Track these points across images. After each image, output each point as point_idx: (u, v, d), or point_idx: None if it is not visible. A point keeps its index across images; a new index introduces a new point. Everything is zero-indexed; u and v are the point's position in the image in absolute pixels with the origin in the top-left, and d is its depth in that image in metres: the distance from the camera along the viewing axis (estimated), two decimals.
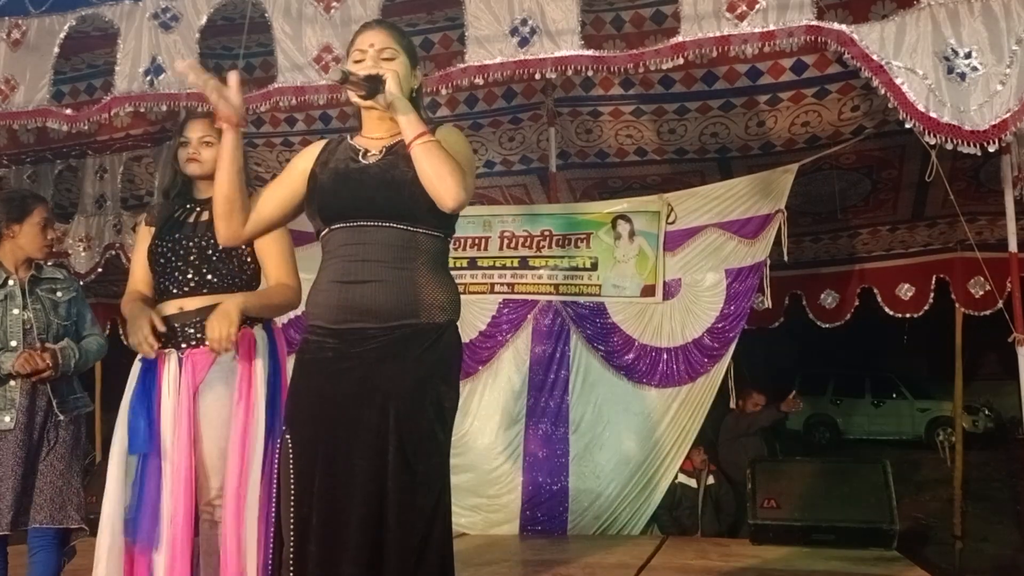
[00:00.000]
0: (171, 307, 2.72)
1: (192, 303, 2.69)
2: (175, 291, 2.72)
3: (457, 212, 2.03)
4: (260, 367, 2.71)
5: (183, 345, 2.69)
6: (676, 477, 5.55)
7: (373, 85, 2.03)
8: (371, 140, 2.16)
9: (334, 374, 2.03)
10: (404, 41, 2.18)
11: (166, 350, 2.70)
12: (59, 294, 3.19)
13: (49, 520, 3.02)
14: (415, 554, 1.94)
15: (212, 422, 2.66)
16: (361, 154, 2.13)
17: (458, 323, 2.15)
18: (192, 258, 2.72)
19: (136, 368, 2.75)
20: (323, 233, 2.14)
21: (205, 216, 2.77)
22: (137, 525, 2.63)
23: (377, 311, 2.02)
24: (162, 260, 2.76)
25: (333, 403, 2.02)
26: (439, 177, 1.97)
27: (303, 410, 2.07)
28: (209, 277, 2.72)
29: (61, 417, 3.09)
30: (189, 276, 2.72)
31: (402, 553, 1.94)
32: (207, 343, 2.60)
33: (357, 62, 2.11)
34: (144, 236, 2.87)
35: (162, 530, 2.61)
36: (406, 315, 2.02)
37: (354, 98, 2.09)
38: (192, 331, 2.68)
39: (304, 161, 2.19)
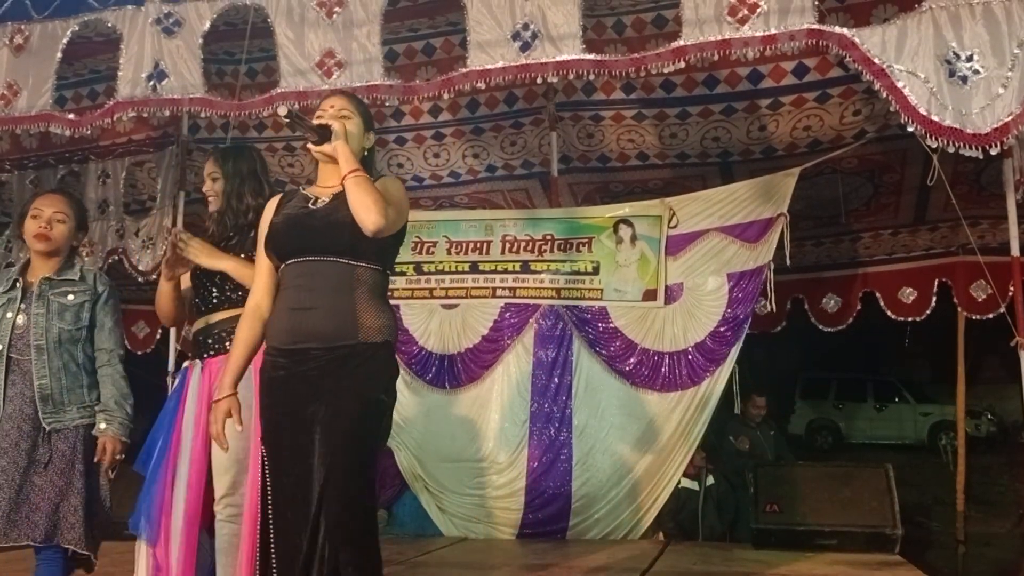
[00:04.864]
0: (201, 322, 3.00)
1: (217, 316, 2.95)
2: (203, 307, 3.00)
3: (378, 236, 2.33)
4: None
5: (205, 355, 2.95)
6: (679, 482, 5.53)
7: (324, 133, 2.43)
8: (323, 189, 2.51)
9: (288, 391, 2.38)
10: (360, 108, 2.59)
11: (194, 361, 2.97)
12: (70, 297, 3.01)
13: (44, 538, 2.83)
14: (346, 524, 2.27)
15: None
16: (312, 201, 2.49)
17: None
18: (217, 277, 2.94)
19: (175, 382, 3.06)
20: (280, 268, 2.48)
21: (234, 241, 2.98)
22: (139, 522, 2.87)
23: (321, 334, 2.35)
24: (195, 281, 3.02)
25: (287, 414, 2.37)
26: (363, 205, 2.32)
27: (267, 421, 2.44)
28: (229, 294, 2.94)
29: (47, 428, 2.89)
30: (214, 292, 2.96)
31: (335, 520, 2.26)
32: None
33: (318, 118, 2.50)
34: None
35: (172, 527, 2.81)
36: (346, 337, 2.35)
37: (309, 145, 2.48)
38: (211, 341, 2.94)
39: (266, 218, 2.57)
